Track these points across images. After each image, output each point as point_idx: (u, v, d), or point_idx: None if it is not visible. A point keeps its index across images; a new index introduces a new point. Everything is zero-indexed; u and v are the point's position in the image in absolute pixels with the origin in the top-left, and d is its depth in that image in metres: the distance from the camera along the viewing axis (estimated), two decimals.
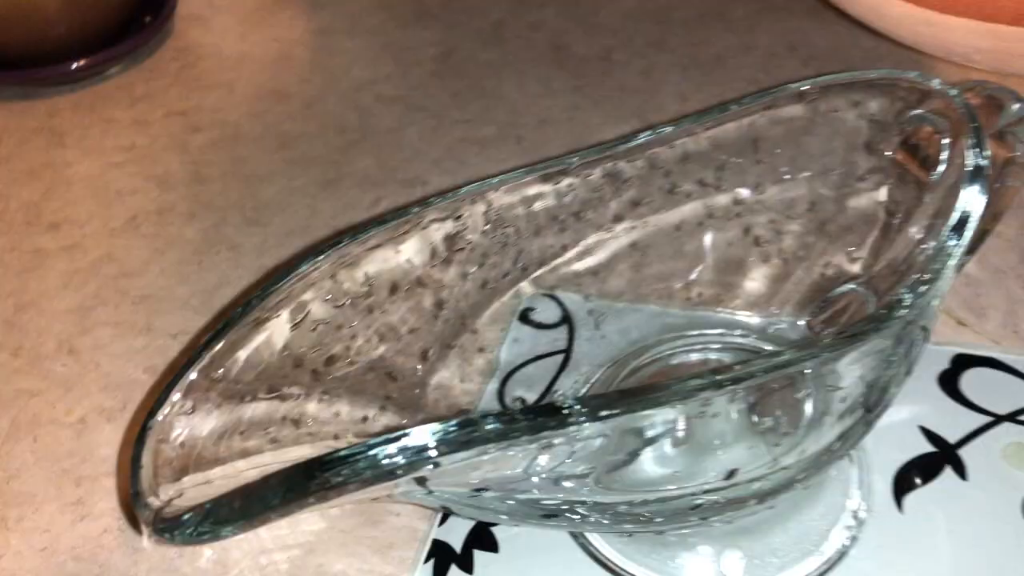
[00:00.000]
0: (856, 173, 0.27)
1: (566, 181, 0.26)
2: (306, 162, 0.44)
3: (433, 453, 0.18)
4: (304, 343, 0.23)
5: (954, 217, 0.22)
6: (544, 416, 0.19)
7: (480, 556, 0.28)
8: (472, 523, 0.29)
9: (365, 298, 0.24)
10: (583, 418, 0.19)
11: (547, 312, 0.32)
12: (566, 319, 0.32)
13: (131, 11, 0.53)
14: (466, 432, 0.19)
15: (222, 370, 0.22)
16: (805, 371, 0.21)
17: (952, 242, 0.22)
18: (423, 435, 0.18)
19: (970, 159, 0.23)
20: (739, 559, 0.27)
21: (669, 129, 0.26)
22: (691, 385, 0.19)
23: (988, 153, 0.23)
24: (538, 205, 0.26)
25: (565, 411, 0.19)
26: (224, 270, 0.39)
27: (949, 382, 0.32)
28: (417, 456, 0.18)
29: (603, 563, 0.27)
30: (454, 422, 0.19)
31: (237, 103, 0.48)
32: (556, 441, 0.19)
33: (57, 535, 0.31)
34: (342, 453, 0.19)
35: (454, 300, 0.25)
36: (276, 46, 0.53)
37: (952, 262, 0.22)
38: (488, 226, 0.25)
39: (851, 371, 0.21)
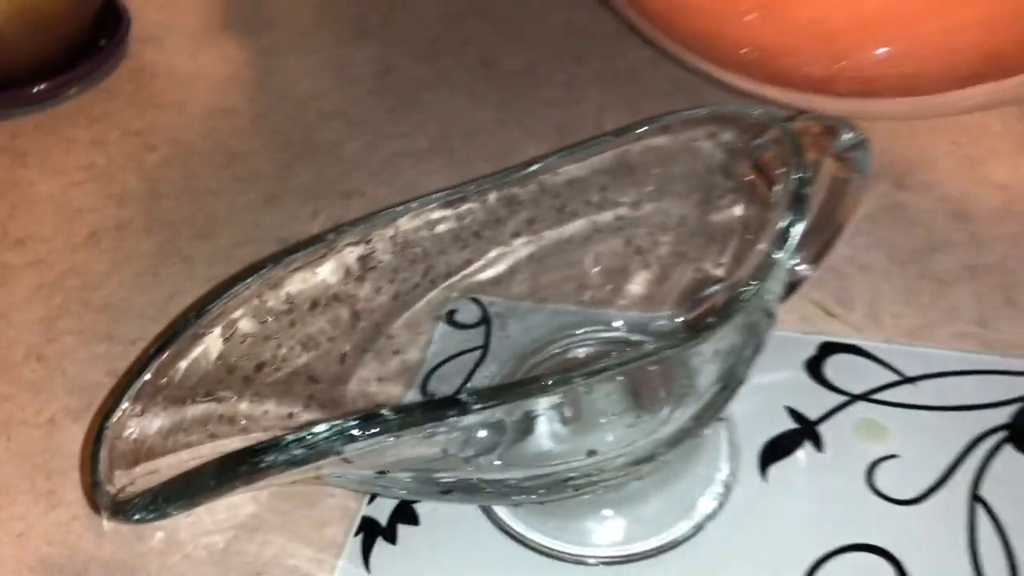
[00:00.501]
0: (715, 193, 0.31)
1: (466, 206, 0.31)
2: (252, 177, 0.48)
3: (337, 443, 0.22)
4: (235, 353, 0.27)
5: (776, 232, 0.26)
6: (434, 408, 0.23)
7: (403, 529, 0.33)
8: (397, 501, 0.34)
9: (287, 314, 0.28)
10: (465, 410, 0.23)
11: (468, 314, 0.36)
12: (485, 319, 0.36)
13: (87, 34, 0.56)
14: (367, 424, 0.23)
15: (166, 378, 0.26)
16: (667, 358, 0.25)
17: (775, 253, 0.26)
18: (327, 428, 0.22)
19: (791, 183, 0.27)
20: (620, 524, 0.31)
21: (556, 158, 0.31)
22: (550, 380, 0.23)
23: (805, 177, 0.27)
24: (441, 227, 0.30)
25: (449, 405, 0.23)
26: (178, 281, 0.43)
27: (814, 367, 0.36)
28: (324, 446, 0.22)
29: (507, 531, 0.32)
30: (356, 417, 0.23)
31: (189, 122, 0.52)
32: (442, 430, 0.23)
33: (31, 523, 0.35)
34: (264, 444, 0.23)
35: (369, 311, 0.30)
36: (225, 65, 0.56)
37: (776, 269, 0.26)
38: (397, 247, 0.30)
39: (707, 354, 0.25)
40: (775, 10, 0.31)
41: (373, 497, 0.34)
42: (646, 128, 0.31)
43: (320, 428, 0.22)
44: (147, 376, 0.25)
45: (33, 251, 0.45)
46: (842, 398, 0.35)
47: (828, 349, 0.37)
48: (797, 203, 0.27)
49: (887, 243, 0.41)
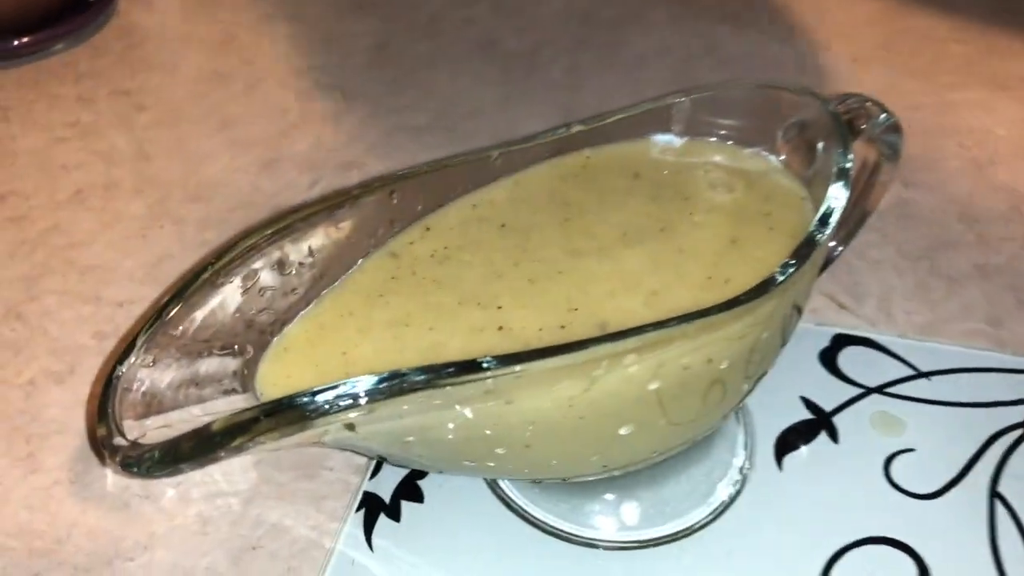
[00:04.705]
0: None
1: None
2: (247, 143, 0.46)
3: (348, 401, 0.21)
4: (254, 306, 0.25)
5: (820, 211, 0.26)
6: (458, 368, 0.22)
7: (407, 506, 0.31)
8: (401, 476, 0.32)
9: (310, 268, 0.26)
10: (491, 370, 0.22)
11: None
12: None
13: None
14: (383, 382, 0.22)
15: (181, 328, 0.24)
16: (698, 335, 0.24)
17: (818, 234, 0.25)
18: (346, 386, 0.21)
19: (836, 161, 0.26)
20: (636, 507, 0.30)
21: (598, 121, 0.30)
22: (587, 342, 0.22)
23: (851, 156, 0.26)
24: None
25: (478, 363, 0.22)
26: (168, 244, 0.41)
27: (829, 358, 0.35)
28: (336, 402, 0.21)
29: (518, 511, 0.31)
30: (380, 375, 0.22)
31: (180, 83, 0.50)
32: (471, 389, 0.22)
33: (9, 488, 0.33)
34: (281, 401, 0.21)
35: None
36: (219, 28, 0.54)
37: (817, 250, 0.25)
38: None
39: (737, 337, 0.24)
40: None
41: (376, 471, 0.32)
42: (682, 98, 0.30)
43: (340, 385, 0.21)
44: (160, 324, 0.24)
45: (14, 207, 0.43)
46: (857, 390, 0.34)
47: (842, 341, 0.36)
48: (843, 181, 0.26)
49: (896, 240, 0.40)
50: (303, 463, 0.33)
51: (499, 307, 0.26)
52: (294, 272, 0.26)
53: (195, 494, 0.32)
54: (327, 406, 0.21)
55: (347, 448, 0.29)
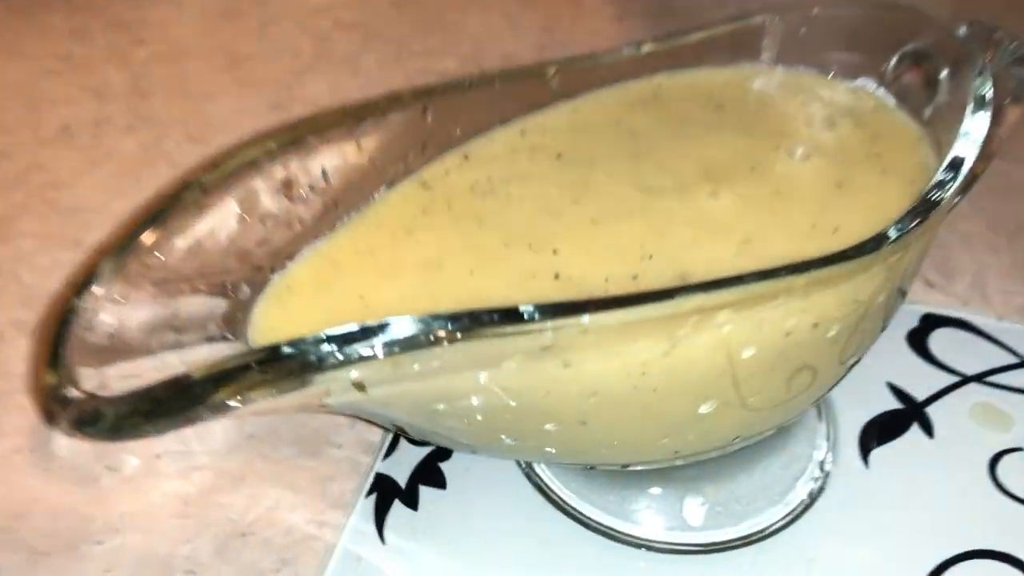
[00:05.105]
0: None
1: None
2: (256, 83, 0.42)
3: (363, 350, 0.16)
4: (251, 237, 0.20)
5: (952, 149, 0.21)
6: (504, 316, 0.17)
7: (426, 492, 0.27)
8: (420, 457, 0.27)
9: (321, 193, 0.21)
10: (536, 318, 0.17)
11: None
12: None
13: None
14: (408, 328, 0.17)
15: (158, 258, 0.19)
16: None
17: (950, 177, 0.20)
18: (362, 331, 0.16)
19: (975, 89, 0.21)
20: (700, 504, 0.25)
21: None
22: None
23: (990, 84, 0.22)
24: None
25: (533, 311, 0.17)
26: (163, 186, 0.36)
27: (918, 341, 0.31)
28: (347, 351, 0.16)
29: (557, 503, 0.26)
30: (405, 318, 0.17)
31: (186, 19, 0.46)
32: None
33: None
34: (277, 347, 0.17)
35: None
36: None
37: (948, 197, 0.20)
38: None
39: (851, 299, 0.20)
40: None
41: (391, 450, 0.28)
42: (774, 19, 0.25)
43: (346, 329, 0.16)
44: (133, 250, 0.19)
45: None
46: (953, 378, 0.29)
47: (932, 321, 0.31)
48: (983, 111, 0.21)
49: (988, 212, 0.35)
50: (306, 437, 0.28)
51: (555, 251, 0.21)
52: (303, 197, 0.21)
53: (176, 468, 0.27)
54: (335, 356, 0.16)
55: (359, 415, 0.24)
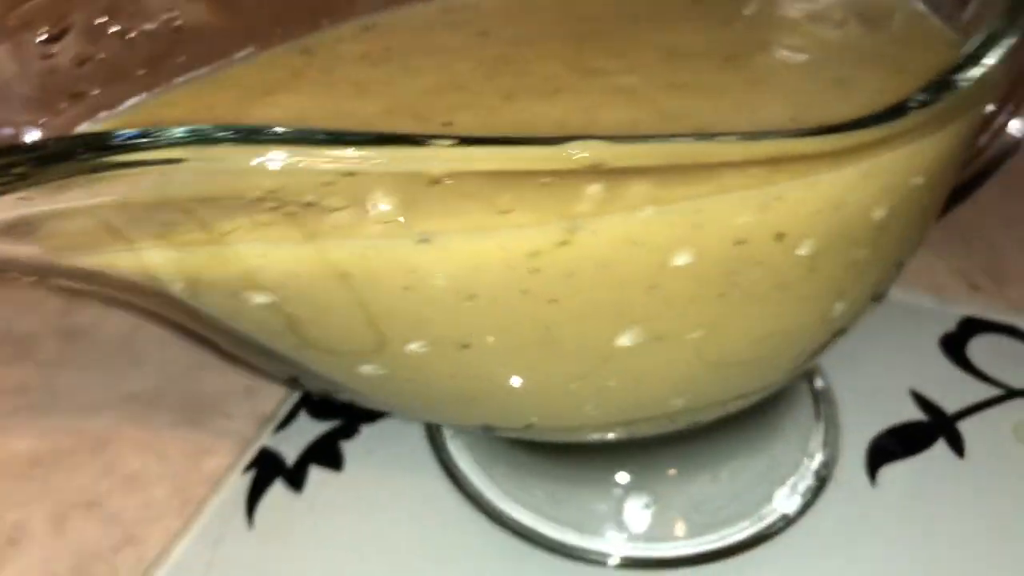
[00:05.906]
0: None
1: None
2: None
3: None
4: (59, 80, 0.16)
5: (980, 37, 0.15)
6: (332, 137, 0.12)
7: (317, 473, 0.22)
8: (318, 434, 0.23)
9: (166, 37, 0.17)
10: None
11: None
12: None
13: None
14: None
15: None
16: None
17: (977, 56, 0.15)
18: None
19: None
20: (644, 507, 0.20)
21: None
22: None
23: None
24: None
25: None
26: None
27: (954, 347, 0.25)
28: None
29: (475, 501, 0.21)
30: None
31: None
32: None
33: None
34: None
35: None
36: None
37: (1002, 49, 0.15)
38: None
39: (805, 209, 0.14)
40: None
41: (285, 423, 0.23)
42: None
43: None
44: None
45: None
46: (995, 390, 0.24)
47: (973, 327, 0.26)
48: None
49: None
50: (192, 404, 0.24)
51: (447, 123, 0.16)
52: (136, 36, 0.17)
53: (33, 425, 0.23)
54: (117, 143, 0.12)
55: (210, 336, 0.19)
